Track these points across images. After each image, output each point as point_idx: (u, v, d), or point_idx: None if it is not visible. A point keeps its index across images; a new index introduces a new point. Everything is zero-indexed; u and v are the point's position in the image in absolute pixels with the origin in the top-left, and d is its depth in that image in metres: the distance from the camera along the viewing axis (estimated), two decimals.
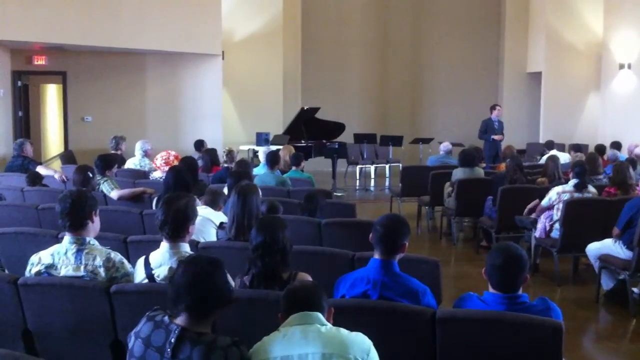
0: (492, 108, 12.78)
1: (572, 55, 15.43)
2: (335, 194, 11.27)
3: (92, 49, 12.29)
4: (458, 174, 8.88)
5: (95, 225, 3.80)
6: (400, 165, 13.35)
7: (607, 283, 6.40)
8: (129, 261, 3.90)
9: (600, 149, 10.80)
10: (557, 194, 6.97)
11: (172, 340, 2.47)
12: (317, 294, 2.75)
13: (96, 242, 3.77)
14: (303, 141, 13.02)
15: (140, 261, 3.70)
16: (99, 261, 3.64)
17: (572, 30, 15.39)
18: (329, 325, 2.66)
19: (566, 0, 15.36)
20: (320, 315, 2.66)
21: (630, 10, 14.50)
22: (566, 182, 7.30)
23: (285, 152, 9.10)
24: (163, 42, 12.30)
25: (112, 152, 10.05)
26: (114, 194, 6.75)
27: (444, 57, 17.15)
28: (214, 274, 2.57)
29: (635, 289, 6.32)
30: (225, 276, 2.64)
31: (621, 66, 14.72)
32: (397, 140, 13.93)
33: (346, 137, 13.86)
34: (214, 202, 5.36)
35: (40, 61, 12.88)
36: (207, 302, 2.53)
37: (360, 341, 2.61)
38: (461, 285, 6.45)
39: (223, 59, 13.42)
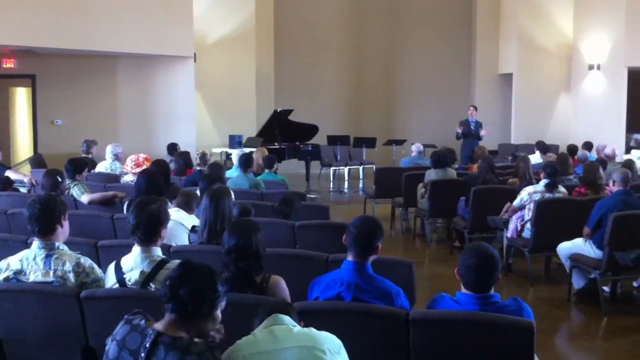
0: (467, 108, 13.11)
1: (543, 57, 15.61)
2: (309, 196, 11.26)
3: (62, 52, 12.14)
4: (431, 175, 8.93)
5: (64, 230, 3.75)
6: (374, 166, 13.38)
7: (578, 282, 6.47)
8: (99, 266, 3.86)
9: (572, 149, 10.92)
10: (529, 194, 7.04)
11: (147, 344, 2.44)
12: (287, 305, 2.84)
13: (65, 247, 3.72)
14: (276, 143, 13.00)
15: (111, 266, 3.65)
16: (68, 266, 3.59)
17: (542, 32, 15.57)
18: (299, 327, 2.69)
19: (537, 3, 15.54)
20: (290, 318, 2.69)
21: (600, 12, 14.73)
22: (537, 182, 7.37)
23: (258, 154, 9.07)
24: (134, 44, 12.18)
25: (83, 155, 9.96)
26: (85, 198, 6.67)
27: (417, 59, 17.24)
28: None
29: (606, 288, 6.42)
30: (204, 285, 2.56)
31: (591, 67, 14.94)
32: (370, 142, 13.97)
33: (320, 139, 13.86)
34: (188, 205, 5.31)
35: (9, 64, 12.70)
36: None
37: (332, 338, 2.66)
38: (435, 286, 6.47)
39: (195, 61, 13.33)
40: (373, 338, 3.28)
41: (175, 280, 2.52)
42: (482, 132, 12.99)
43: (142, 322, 2.52)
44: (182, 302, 2.48)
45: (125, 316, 2.60)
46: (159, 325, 2.48)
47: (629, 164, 8.54)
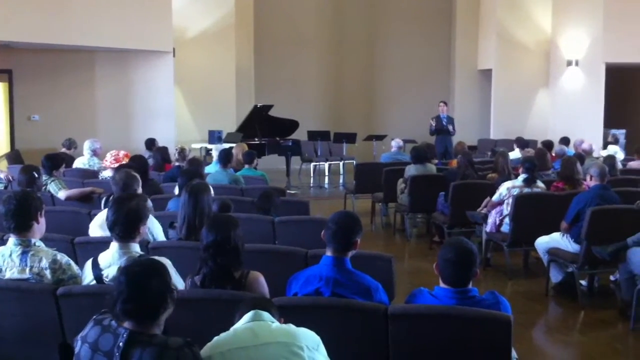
0: (437, 105, 13.15)
1: (522, 53, 15.71)
2: (289, 191, 11.26)
3: (40, 47, 11.99)
4: (411, 170, 8.96)
5: (40, 226, 3.71)
6: (354, 162, 13.40)
7: (555, 276, 6.53)
8: (76, 263, 3.83)
9: (548, 144, 11.01)
10: (507, 189, 7.08)
11: (121, 344, 2.41)
12: (267, 301, 2.86)
13: (42, 244, 3.69)
14: (257, 139, 12.96)
15: (89, 263, 3.64)
16: (45, 263, 3.55)
17: (521, 28, 15.66)
18: (278, 323, 2.69)
19: None
20: (270, 315, 2.69)
21: (578, 8, 14.86)
22: (516, 177, 7.42)
23: (238, 149, 9.03)
24: (113, 39, 12.06)
25: (64, 150, 9.89)
26: (62, 194, 6.61)
27: (397, 55, 17.26)
28: (149, 279, 2.49)
29: (583, 282, 6.48)
30: (164, 279, 2.55)
31: (569, 63, 15.08)
32: (350, 138, 13.98)
33: (300, 135, 13.84)
34: None
35: None
36: (145, 307, 2.46)
37: (311, 335, 2.67)
38: (415, 281, 6.50)
39: (174, 56, 13.24)
40: (352, 333, 3.29)
41: (142, 279, 2.49)
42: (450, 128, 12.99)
43: (113, 322, 2.49)
44: (149, 300, 2.46)
45: (94, 316, 2.57)
46: (129, 325, 2.46)
47: (610, 160, 8.62)
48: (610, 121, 14.82)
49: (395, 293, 4.23)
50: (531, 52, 15.76)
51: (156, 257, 3.50)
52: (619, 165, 10.00)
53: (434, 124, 12.97)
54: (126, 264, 2.67)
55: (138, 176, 5.15)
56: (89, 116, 13.00)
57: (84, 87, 13.02)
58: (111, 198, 4.68)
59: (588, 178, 6.54)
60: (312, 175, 14.48)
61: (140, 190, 5.06)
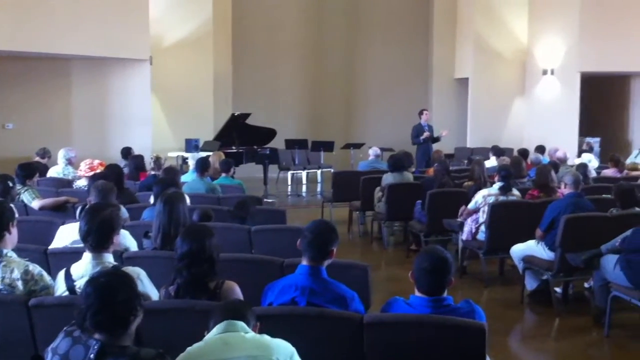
0: (420, 113, 13.07)
1: (498, 62, 15.86)
2: (266, 200, 11.23)
3: (14, 54, 11.86)
4: (388, 178, 8.98)
5: (12, 237, 3.67)
6: (332, 170, 13.40)
7: (531, 283, 6.57)
8: (49, 273, 3.78)
9: (523, 152, 11.10)
10: (483, 197, 7.12)
11: (92, 356, 2.39)
12: (244, 306, 2.81)
13: (14, 254, 3.64)
14: (234, 147, 12.93)
15: (61, 274, 3.59)
16: (16, 274, 3.50)
17: (498, 37, 15.82)
18: (253, 333, 2.67)
19: (492, 9, 15.78)
20: (244, 324, 2.67)
21: (553, 18, 15.05)
22: (492, 185, 7.47)
23: (214, 158, 9.00)
24: (89, 47, 11.97)
25: (38, 158, 9.79)
26: (36, 204, 6.53)
27: (375, 63, 17.33)
28: (117, 289, 2.47)
29: (558, 289, 6.53)
30: (131, 288, 2.55)
31: (544, 72, 15.25)
32: (328, 146, 13.99)
33: (278, 143, 13.83)
34: None
35: None
36: (115, 317, 2.44)
37: (284, 346, 2.66)
38: (392, 289, 6.50)
39: (151, 64, 13.17)
40: (327, 342, 3.28)
41: (109, 290, 2.47)
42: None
43: (84, 333, 2.47)
44: (118, 310, 2.44)
45: (65, 328, 2.54)
46: (100, 336, 2.43)
47: (582, 168, 8.72)
48: (585, 129, 15.01)
49: (372, 302, 4.23)
50: (507, 61, 15.91)
51: (130, 267, 3.48)
52: (593, 174, 10.13)
53: (426, 136, 12.77)
54: (91, 276, 2.64)
55: (115, 187, 5.12)
56: (64, 124, 12.88)
57: (59, 95, 12.90)
58: (86, 208, 4.64)
59: (562, 186, 6.60)
60: (289, 183, 14.47)
61: (114, 201, 5.02)
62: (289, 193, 13.97)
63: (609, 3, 14.15)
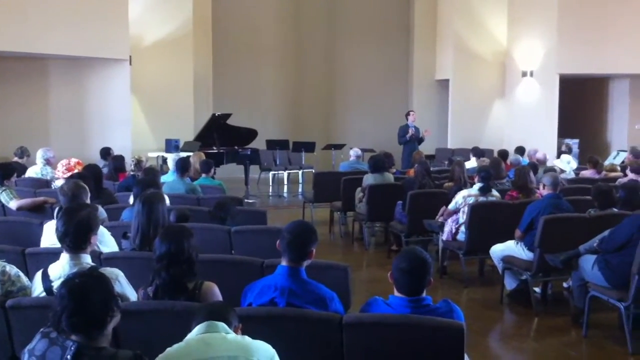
0: (407, 114, 13.25)
1: (478, 63, 15.95)
2: (247, 200, 11.21)
3: None
4: (369, 179, 9.00)
5: None
6: (313, 171, 13.40)
7: (510, 283, 6.61)
8: (27, 274, 3.75)
9: (503, 154, 11.17)
10: (463, 198, 7.16)
11: (68, 357, 2.37)
12: (226, 308, 2.80)
13: None
14: (215, 148, 12.89)
15: (38, 274, 3.56)
16: None
17: (478, 39, 15.91)
18: (234, 334, 2.65)
19: (472, 11, 15.87)
20: (225, 325, 2.66)
21: (533, 20, 15.17)
22: (472, 186, 7.51)
23: (195, 158, 8.96)
24: (67, 46, 11.87)
25: (16, 159, 9.69)
26: (13, 204, 6.47)
27: (356, 64, 17.36)
28: (91, 290, 2.46)
29: (537, 289, 6.58)
30: (106, 288, 2.53)
31: (524, 74, 15.36)
32: (309, 147, 14.00)
33: (259, 144, 13.81)
34: None
35: None
36: (91, 318, 2.43)
37: (265, 348, 2.66)
38: (373, 290, 6.49)
39: (131, 64, 13.09)
40: (307, 343, 3.28)
41: (83, 291, 2.45)
42: (426, 132, 13.15)
43: (61, 335, 2.44)
44: (93, 311, 2.42)
45: (42, 329, 2.52)
46: (76, 337, 2.41)
47: (551, 170, 8.79)
48: (564, 131, 15.15)
49: (352, 302, 4.23)
50: (487, 63, 16.01)
51: (108, 269, 3.46)
52: (572, 174, 10.23)
53: (412, 134, 12.94)
54: (66, 277, 2.62)
55: (86, 187, 5.04)
56: (43, 125, 12.77)
57: (37, 95, 12.78)
58: (63, 208, 4.59)
59: (541, 187, 6.65)
60: (270, 184, 14.45)
61: (88, 201, 4.95)
62: (270, 194, 13.95)
63: (587, 6, 14.29)
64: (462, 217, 7.08)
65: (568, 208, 6.37)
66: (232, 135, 13.23)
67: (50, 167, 9.02)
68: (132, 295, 3.52)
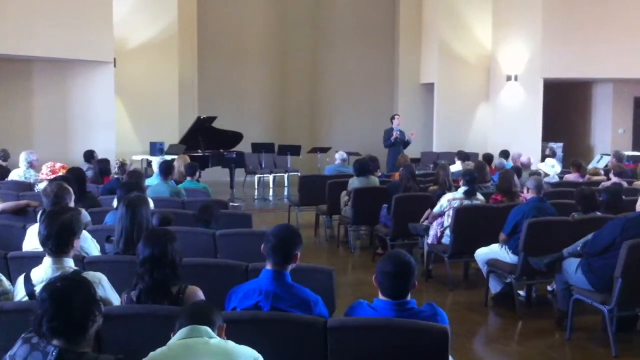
0: (392, 118, 13.30)
1: (463, 67, 16.03)
2: (233, 204, 11.18)
3: None
4: (354, 183, 9.00)
5: None
6: (299, 174, 13.39)
7: (494, 287, 6.63)
8: (10, 278, 3.71)
9: (488, 157, 11.22)
10: (448, 201, 7.18)
11: None
12: (208, 309, 2.78)
13: None
14: (200, 151, 12.85)
15: (21, 278, 3.52)
16: None
17: (462, 43, 15.99)
18: (218, 338, 2.64)
19: (457, 15, 15.94)
20: (209, 329, 2.65)
21: (517, 24, 15.27)
22: (457, 189, 7.53)
23: (179, 161, 8.93)
24: (50, 48, 11.79)
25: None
26: None
27: (341, 68, 17.38)
28: (73, 294, 2.44)
29: (521, 292, 6.60)
30: (88, 292, 2.51)
31: (508, 78, 15.46)
32: (295, 150, 13.99)
33: (244, 147, 13.77)
34: None
35: None
36: (72, 323, 2.41)
37: (248, 353, 2.65)
38: (358, 293, 6.49)
39: (115, 66, 13.02)
40: (291, 347, 3.27)
41: (65, 295, 2.43)
42: (411, 135, 13.17)
43: (42, 340, 2.42)
44: (75, 316, 2.40)
45: (23, 335, 2.50)
46: (58, 342, 2.39)
47: (535, 174, 8.85)
48: (548, 135, 15.25)
49: (336, 306, 4.23)
50: (472, 66, 16.09)
51: (91, 272, 3.43)
52: (556, 178, 10.28)
53: (397, 136, 12.96)
54: (47, 281, 2.59)
55: (70, 189, 5.00)
56: (26, 127, 12.68)
57: (20, 97, 12.69)
58: (46, 212, 4.55)
59: (525, 190, 6.68)
60: (256, 187, 14.42)
61: (72, 204, 4.92)
62: (256, 197, 13.92)
63: (571, 11, 14.40)
64: (447, 220, 7.10)
65: (552, 212, 6.40)
66: (218, 138, 13.19)
67: (34, 170, 8.95)
68: (115, 299, 3.50)
